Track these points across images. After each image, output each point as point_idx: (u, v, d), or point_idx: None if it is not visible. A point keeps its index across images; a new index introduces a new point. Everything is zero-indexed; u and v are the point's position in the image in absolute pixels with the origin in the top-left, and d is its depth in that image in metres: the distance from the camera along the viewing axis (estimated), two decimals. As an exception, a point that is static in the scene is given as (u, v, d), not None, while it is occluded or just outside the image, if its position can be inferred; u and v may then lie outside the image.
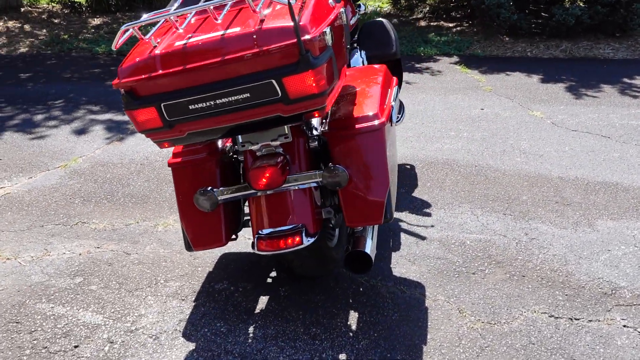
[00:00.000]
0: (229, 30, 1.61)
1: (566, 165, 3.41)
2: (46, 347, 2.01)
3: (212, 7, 1.62)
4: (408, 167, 3.45)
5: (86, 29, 8.14)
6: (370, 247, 1.98)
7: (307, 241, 1.91)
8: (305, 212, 1.94)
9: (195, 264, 2.48)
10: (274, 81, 1.56)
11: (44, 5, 9.68)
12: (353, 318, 2.13)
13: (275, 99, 1.59)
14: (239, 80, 1.57)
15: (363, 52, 3.13)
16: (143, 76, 1.60)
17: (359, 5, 3.48)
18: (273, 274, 2.41)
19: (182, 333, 2.07)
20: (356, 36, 3.35)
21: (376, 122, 1.92)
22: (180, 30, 1.69)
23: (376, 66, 2.43)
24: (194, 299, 2.26)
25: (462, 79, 5.45)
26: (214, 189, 1.95)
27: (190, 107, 1.62)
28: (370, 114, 1.94)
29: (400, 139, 3.88)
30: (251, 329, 2.08)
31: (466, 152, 3.64)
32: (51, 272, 2.46)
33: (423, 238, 2.65)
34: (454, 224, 2.76)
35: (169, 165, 2.06)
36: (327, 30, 1.62)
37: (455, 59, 6.29)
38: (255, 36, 1.56)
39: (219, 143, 2.10)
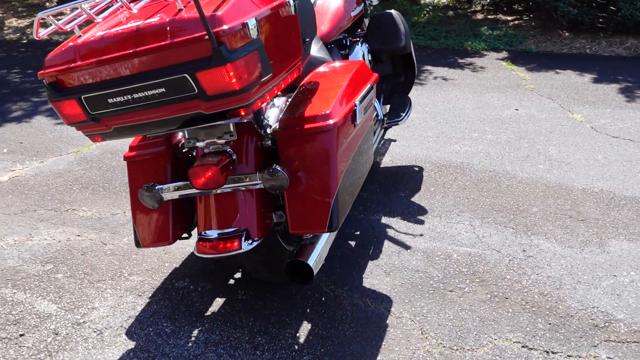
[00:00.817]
0: (147, 21, 1.50)
1: (594, 175, 3.07)
2: (-6, 333, 2.02)
3: None
4: (416, 169, 3.24)
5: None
6: (315, 257, 1.83)
7: (247, 246, 1.79)
8: (249, 215, 1.82)
9: (163, 259, 2.43)
10: (187, 76, 1.44)
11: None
12: (304, 330, 1.99)
13: (192, 94, 1.47)
14: (153, 74, 1.46)
15: (365, 46, 2.95)
16: (63, 67, 1.54)
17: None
18: (237, 275, 2.31)
19: (127, 330, 2.01)
20: (363, 29, 3.17)
21: (327, 123, 1.76)
22: (98, 20, 1.60)
23: (354, 61, 2.27)
24: (150, 295, 2.20)
25: (505, 76, 5.09)
26: (160, 186, 1.87)
27: (109, 100, 1.53)
28: (323, 113, 1.79)
29: (418, 138, 3.66)
30: (195, 332, 1.99)
31: (484, 155, 3.37)
32: (27, 257, 2.49)
33: (407, 247, 2.45)
34: (445, 235, 2.54)
35: (124, 158, 2.00)
36: (252, 21, 1.48)
37: (503, 54, 5.90)
38: (169, 27, 1.45)
39: (177, 137, 2.02)
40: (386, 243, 2.49)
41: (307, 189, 1.77)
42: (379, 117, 2.98)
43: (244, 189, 1.80)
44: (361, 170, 2.05)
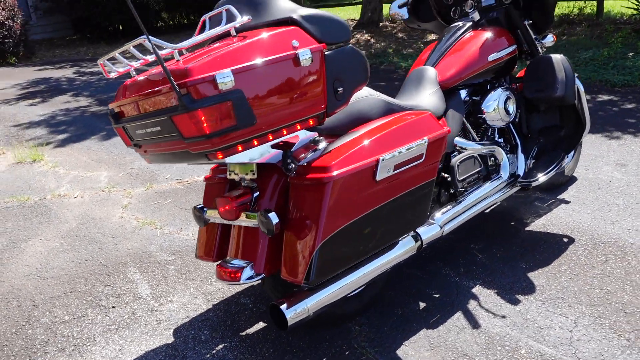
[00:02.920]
0: (154, 71, 1.73)
1: None
2: (95, 302, 2.54)
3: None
4: (565, 240, 2.71)
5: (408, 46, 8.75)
6: (302, 307, 1.79)
7: (247, 281, 1.89)
8: (258, 251, 1.91)
9: (249, 274, 2.64)
10: (167, 119, 1.61)
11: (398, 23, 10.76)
12: (306, 377, 1.96)
13: (176, 135, 1.64)
14: (150, 114, 1.68)
15: (506, 92, 2.61)
16: (115, 102, 1.89)
17: (544, 37, 2.88)
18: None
19: (176, 327, 2.29)
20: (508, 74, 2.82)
21: (325, 175, 1.72)
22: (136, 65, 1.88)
23: (417, 112, 2.08)
24: (216, 303, 2.44)
25: None
26: (206, 208, 2.10)
27: (137, 131, 1.82)
28: (328, 164, 1.75)
29: (600, 203, 3.04)
30: (220, 347, 2.15)
31: (672, 241, 2.61)
32: (165, 246, 3.01)
33: (475, 326, 2.13)
34: (532, 324, 2.11)
35: (203, 179, 2.29)
36: (224, 73, 1.54)
37: None
38: (161, 77, 1.65)
39: None
40: (457, 315, 2.21)
41: (296, 237, 1.77)
42: (510, 172, 2.63)
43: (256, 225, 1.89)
44: (384, 232, 1.91)
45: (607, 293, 2.27)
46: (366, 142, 1.84)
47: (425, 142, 1.95)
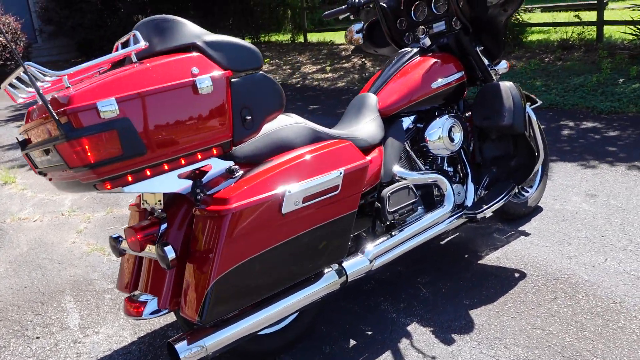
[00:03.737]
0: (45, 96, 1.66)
1: None
2: (21, 332, 2.45)
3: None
4: (516, 275, 2.59)
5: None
6: (196, 345, 1.69)
7: (150, 316, 1.80)
8: (163, 285, 1.82)
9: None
10: (51, 147, 1.55)
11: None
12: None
13: (63, 164, 1.57)
14: (44, 142, 1.62)
15: (451, 120, 2.51)
16: (23, 126, 1.82)
17: (497, 63, 2.79)
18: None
19: (94, 357, 2.20)
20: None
21: (224, 207, 1.64)
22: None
23: (337, 142, 2.00)
24: (142, 336, 2.35)
25: None
26: (121, 238, 2.01)
27: (37, 159, 1.75)
28: (229, 196, 1.67)
29: (561, 236, 2.91)
30: (133, 384, 2.05)
31: (627, 279, 2.47)
32: (108, 273, 2.93)
33: (402, 368, 2.01)
34: (462, 367, 1.99)
35: (128, 207, 2.22)
36: (108, 102, 1.47)
37: None
38: (49, 104, 1.58)
39: None
40: (386, 354, 2.09)
41: (194, 271, 1.68)
42: (458, 202, 2.52)
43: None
44: (294, 268, 1.82)
45: (548, 334, 2.14)
46: (275, 172, 1.76)
47: (340, 174, 1.86)
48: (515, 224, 3.12)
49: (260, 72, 1.82)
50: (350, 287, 2.32)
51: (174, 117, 1.59)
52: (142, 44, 1.66)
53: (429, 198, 2.51)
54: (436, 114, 2.61)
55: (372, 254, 2.15)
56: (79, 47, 14.28)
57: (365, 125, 2.33)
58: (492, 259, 2.76)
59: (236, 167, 1.86)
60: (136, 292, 1.91)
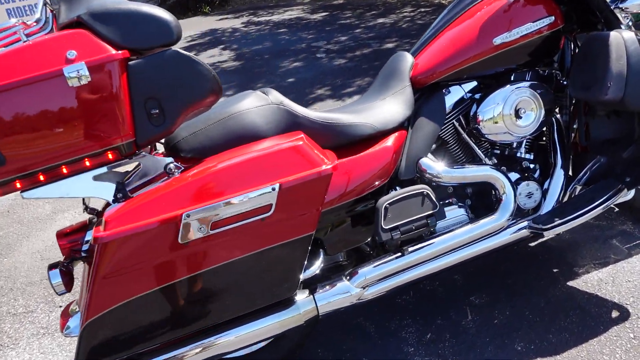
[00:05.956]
0: None
1: None
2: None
3: None
4: (615, 313, 1.81)
5: None
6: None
7: (68, 332, 1.61)
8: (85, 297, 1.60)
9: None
10: None
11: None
12: None
13: None
14: None
15: (522, 91, 1.74)
16: None
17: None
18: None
19: None
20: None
21: (99, 234, 1.29)
22: None
23: (291, 134, 1.46)
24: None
25: None
26: None
27: None
28: (109, 219, 1.31)
29: None
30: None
31: None
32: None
33: None
34: None
35: None
36: None
37: None
38: None
39: None
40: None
41: (82, 303, 1.41)
42: (528, 207, 1.82)
43: None
44: (207, 308, 1.43)
45: None
46: (178, 187, 1.35)
47: (273, 191, 1.36)
48: (654, 226, 2.21)
49: (173, 48, 1.38)
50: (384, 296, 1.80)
51: (43, 117, 1.27)
52: (14, 20, 1.33)
53: (486, 201, 1.83)
54: (512, 78, 1.85)
55: (362, 281, 1.63)
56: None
57: (382, 103, 1.73)
58: (591, 280, 1.98)
59: (176, 164, 1.48)
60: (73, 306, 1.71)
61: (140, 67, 1.33)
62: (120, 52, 1.29)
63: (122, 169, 1.49)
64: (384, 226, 1.59)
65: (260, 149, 1.43)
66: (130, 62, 1.32)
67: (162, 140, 1.57)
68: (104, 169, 1.40)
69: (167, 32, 1.35)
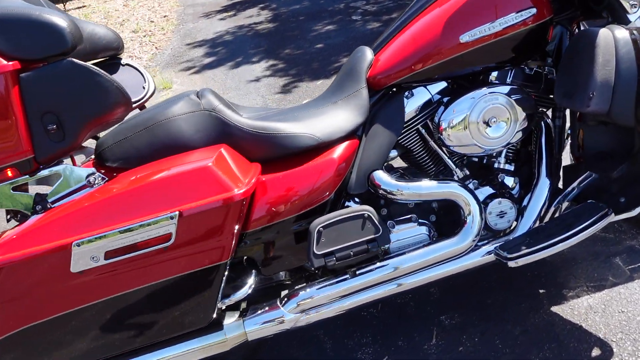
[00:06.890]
0: None
1: None
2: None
3: None
4: (596, 351, 1.59)
5: None
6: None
7: None
8: None
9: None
10: None
11: None
12: None
13: None
14: None
15: (495, 96, 1.50)
16: None
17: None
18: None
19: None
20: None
21: None
22: None
23: (210, 149, 1.31)
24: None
25: None
26: None
27: None
28: (4, 242, 1.24)
29: None
30: None
31: None
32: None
33: None
34: None
35: None
36: None
37: None
38: None
39: None
40: None
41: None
42: (500, 227, 1.60)
43: None
44: (104, 341, 1.34)
45: None
46: (71, 212, 1.25)
47: (172, 219, 1.23)
48: (668, 244, 1.92)
49: (69, 58, 1.25)
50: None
51: None
52: None
53: (454, 217, 1.62)
54: (490, 79, 1.60)
55: (298, 306, 1.49)
56: None
57: (331, 108, 1.54)
58: (579, 307, 1.75)
59: (100, 174, 1.39)
60: None
61: (33, 80, 1.23)
62: (10, 63, 1.20)
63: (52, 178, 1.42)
64: (316, 251, 1.43)
65: (171, 169, 1.30)
66: (22, 74, 1.22)
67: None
68: (25, 178, 1.33)
69: (61, 40, 1.23)
